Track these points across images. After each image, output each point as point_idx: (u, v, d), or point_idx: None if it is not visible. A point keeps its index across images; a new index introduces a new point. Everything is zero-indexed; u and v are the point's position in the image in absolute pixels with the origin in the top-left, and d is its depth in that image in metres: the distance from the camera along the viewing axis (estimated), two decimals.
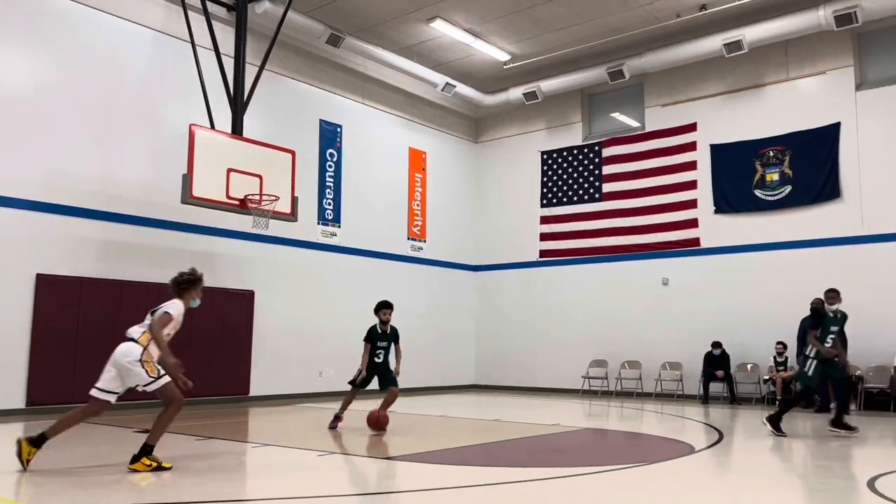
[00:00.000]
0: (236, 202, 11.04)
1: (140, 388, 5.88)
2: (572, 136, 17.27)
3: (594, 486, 5.63)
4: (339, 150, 15.32)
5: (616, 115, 16.93)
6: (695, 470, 6.68)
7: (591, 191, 16.77)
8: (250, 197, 11.11)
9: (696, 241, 15.05)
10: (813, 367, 8.95)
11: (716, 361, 13.92)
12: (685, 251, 15.12)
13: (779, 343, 13.25)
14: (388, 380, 8.83)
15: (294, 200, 11.86)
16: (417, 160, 17.26)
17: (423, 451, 7.26)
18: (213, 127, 11.22)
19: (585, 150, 16.99)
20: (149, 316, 6.03)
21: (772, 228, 14.20)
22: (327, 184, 15.00)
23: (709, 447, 7.99)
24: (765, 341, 13.53)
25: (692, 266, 14.98)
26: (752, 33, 13.75)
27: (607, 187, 16.50)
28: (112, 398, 5.89)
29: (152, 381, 5.80)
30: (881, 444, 8.72)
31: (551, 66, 16.27)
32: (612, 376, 15.64)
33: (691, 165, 15.28)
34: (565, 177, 17.27)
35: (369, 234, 15.76)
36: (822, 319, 9.09)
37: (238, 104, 11.77)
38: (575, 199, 17.01)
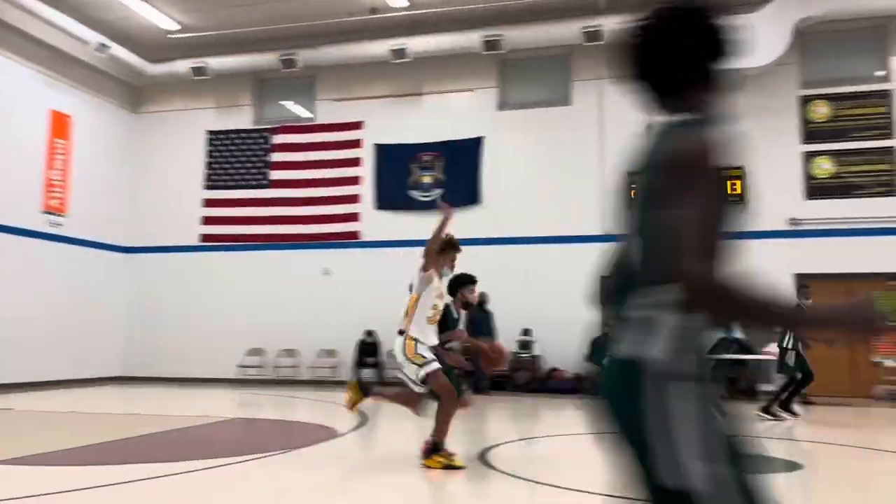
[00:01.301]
0: None
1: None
2: (242, 119, 16.84)
3: (230, 476, 5.53)
4: None
5: (288, 103, 16.92)
6: (334, 453, 6.95)
7: (259, 177, 16.52)
8: None
9: (356, 235, 15.74)
10: (794, 357, 10.15)
11: (368, 349, 14.72)
12: (346, 243, 15.71)
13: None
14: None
15: None
16: (61, 124, 15.28)
17: (34, 454, 6.42)
18: None
19: (255, 135, 16.68)
20: None
21: (425, 226, 15.38)
22: None
23: (351, 430, 8.40)
24: None
25: (352, 258, 15.61)
26: (415, 44, 14.80)
27: (275, 175, 16.40)
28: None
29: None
30: (494, 419, 10.03)
31: (223, 43, 15.65)
32: (269, 364, 15.61)
33: (356, 162, 15.94)
34: (233, 160, 16.76)
35: None
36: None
37: None
38: (242, 183, 16.60)
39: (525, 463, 6.82)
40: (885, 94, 13.45)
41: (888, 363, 12.57)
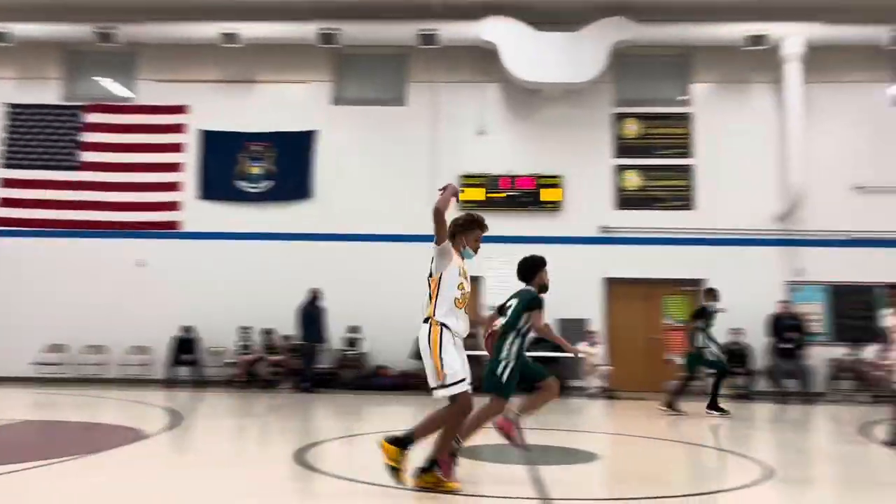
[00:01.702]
0: None
1: None
2: (48, 93, 15.35)
3: (19, 484, 5.03)
4: None
5: (104, 79, 15.65)
6: (142, 455, 6.54)
7: (68, 158, 15.14)
8: None
9: (175, 225, 14.90)
10: (708, 354, 10.45)
11: (185, 346, 14.00)
12: (165, 233, 14.82)
13: (243, 328, 14.01)
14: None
15: None
16: None
17: None
18: None
19: (64, 112, 15.27)
20: None
21: (252, 219, 14.92)
22: None
23: (163, 431, 7.94)
24: (233, 326, 14.13)
25: (171, 249, 14.75)
26: (249, 30, 14.27)
27: (87, 156, 15.11)
28: None
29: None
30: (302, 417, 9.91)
31: (28, 8, 14.19)
32: (72, 362, 14.36)
33: (178, 147, 15.07)
34: (38, 138, 15.23)
35: None
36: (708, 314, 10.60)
37: None
38: (48, 164, 15.13)
39: (346, 461, 6.81)
40: (685, 117, 14.86)
41: (678, 360, 13.89)
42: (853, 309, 14.11)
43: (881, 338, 13.33)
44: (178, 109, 15.17)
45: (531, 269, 6.24)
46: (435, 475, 4.82)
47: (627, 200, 14.76)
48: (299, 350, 13.54)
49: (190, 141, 15.12)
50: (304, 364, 13.39)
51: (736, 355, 13.39)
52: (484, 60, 14.75)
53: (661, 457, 7.11)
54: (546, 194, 14.63)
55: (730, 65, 14.76)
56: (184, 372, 14.03)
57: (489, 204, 14.61)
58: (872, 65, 14.53)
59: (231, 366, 14.03)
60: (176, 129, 15.12)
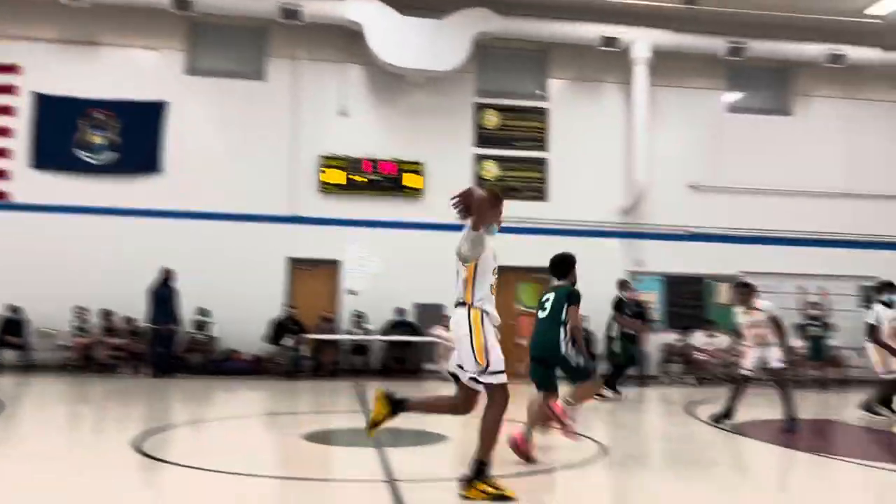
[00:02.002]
0: None
1: None
2: None
3: None
4: None
5: None
6: None
7: None
8: None
9: (4, 195, 13.58)
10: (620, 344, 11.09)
11: (11, 327, 12.83)
12: None
13: (79, 309, 13.02)
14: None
15: None
16: None
17: None
18: None
19: None
20: None
21: (93, 192, 13.84)
22: None
23: None
24: (69, 307, 13.11)
25: None
26: None
27: None
28: None
29: None
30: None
31: None
32: None
33: (9, 111, 13.71)
34: None
35: None
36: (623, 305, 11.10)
37: None
38: None
39: (191, 449, 6.52)
40: (542, 112, 15.41)
41: (526, 344, 14.47)
42: (685, 298, 15.29)
43: (709, 326, 14.58)
44: (8, 69, 13.78)
45: (567, 266, 6.34)
46: (491, 481, 4.46)
47: None
48: (149, 333, 12.80)
49: (22, 105, 13.80)
50: (157, 348, 12.68)
51: (585, 338, 14.10)
52: (348, 41, 14.53)
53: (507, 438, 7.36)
54: (408, 179, 14.68)
55: (585, 63, 15.45)
56: (9, 355, 12.86)
57: (350, 187, 14.48)
58: (711, 73, 15.72)
59: (65, 349, 13.03)
60: (5, 90, 13.74)
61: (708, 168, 15.51)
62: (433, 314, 14.12)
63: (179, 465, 5.35)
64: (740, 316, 8.09)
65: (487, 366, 4.35)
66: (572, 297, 6.03)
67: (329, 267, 14.50)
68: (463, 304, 4.53)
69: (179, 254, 13.34)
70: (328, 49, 14.79)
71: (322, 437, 6.66)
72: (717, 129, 15.70)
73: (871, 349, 8.98)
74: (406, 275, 14.29)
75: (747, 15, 14.42)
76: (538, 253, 14.77)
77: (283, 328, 13.41)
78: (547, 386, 6.00)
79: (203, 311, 13.53)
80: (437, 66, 14.23)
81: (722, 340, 14.41)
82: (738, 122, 15.78)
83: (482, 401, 4.63)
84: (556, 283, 6.33)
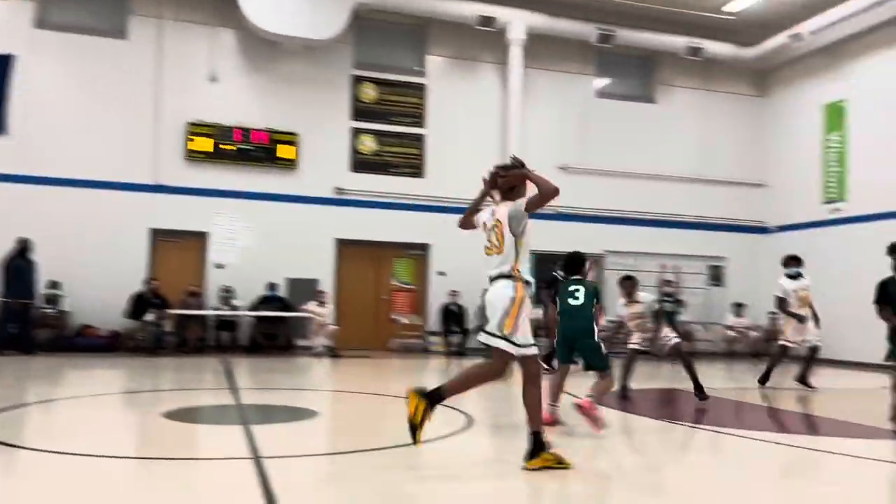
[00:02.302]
0: None
1: None
2: None
3: None
4: None
5: None
6: None
7: None
8: None
9: None
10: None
11: None
12: None
13: None
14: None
15: None
16: None
17: None
18: None
19: None
20: None
21: None
22: None
23: None
24: None
25: None
26: None
27: None
28: None
29: None
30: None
31: None
32: None
33: None
34: None
35: None
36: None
37: None
38: None
39: (40, 431, 6.08)
40: (420, 87, 15.40)
41: (403, 320, 14.58)
42: (552, 275, 15.85)
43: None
44: None
45: (580, 263, 6.88)
46: (551, 452, 4.55)
47: (362, 164, 14.97)
48: (4, 308, 11.79)
49: None
50: (12, 324, 11.70)
51: (454, 315, 14.37)
52: (220, 3, 13.88)
53: (378, 412, 7.39)
54: (281, 151, 14.28)
55: (463, 42, 15.56)
56: None
57: (218, 156, 13.92)
58: (583, 58, 16.28)
59: None
60: None
61: (577, 150, 16.11)
62: (306, 289, 13.91)
63: (29, 448, 4.97)
64: (622, 307, 8.63)
65: (512, 333, 4.52)
66: (599, 296, 6.70)
67: (195, 239, 13.90)
68: (509, 276, 4.63)
69: (29, 223, 12.35)
70: (197, 10, 14.07)
71: (184, 415, 6.40)
72: (587, 113, 16.31)
73: (784, 320, 9.82)
74: (278, 249, 13.97)
75: (617, 4, 15.02)
76: (414, 229, 14.95)
77: (144, 303, 12.75)
78: (601, 367, 6.36)
79: (54, 284, 12.61)
80: (314, 34, 13.86)
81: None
82: (606, 107, 16.46)
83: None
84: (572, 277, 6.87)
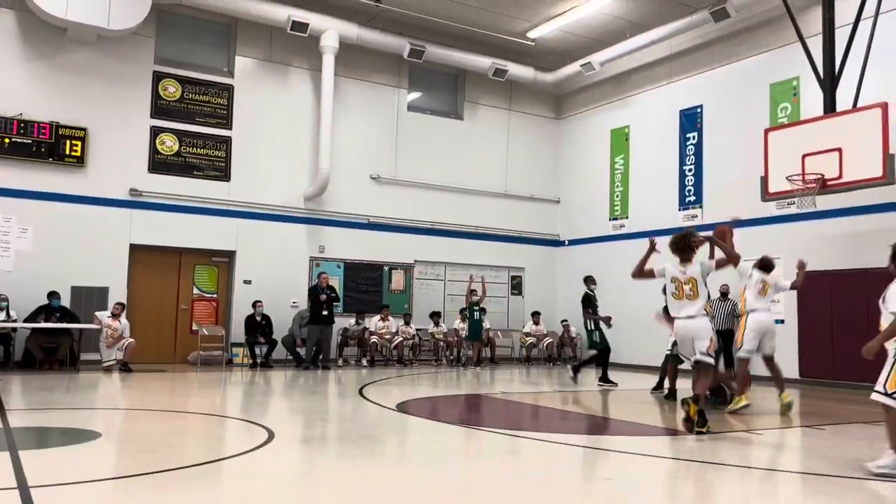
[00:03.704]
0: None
1: None
2: None
3: None
4: None
5: None
6: None
7: None
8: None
9: None
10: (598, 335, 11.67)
11: None
12: None
13: None
14: None
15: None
16: None
17: None
18: None
19: None
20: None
21: None
22: None
23: None
24: None
25: None
26: None
27: None
28: None
29: None
30: None
31: None
32: None
33: None
34: None
35: None
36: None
37: None
38: None
39: None
40: (227, 88, 14.80)
41: (204, 331, 13.88)
42: (363, 284, 15.94)
43: (385, 310, 15.37)
44: None
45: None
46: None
47: (162, 165, 14.10)
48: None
49: None
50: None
51: (259, 325, 13.94)
52: None
53: (171, 430, 6.96)
54: (69, 147, 13.05)
55: (275, 45, 15.21)
56: None
57: None
58: (395, 71, 16.55)
59: None
60: None
61: (389, 161, 16.35)
62: (99, 298, 12.87)
63: None
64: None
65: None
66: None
67: None
68: (703, 314, 6.88)
69: None
70: None
71: None
72: (399, 126, 16.60)
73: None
74: (62, 254, 12.78)
75: (429, 21, 15.45)
76: (219, 235, 14.32)
77: None
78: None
79: None
80: (109, 24, 12.82)
81: (393, 324, 15.34)
82: (417, 121, 16.86)
83: None
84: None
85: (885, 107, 9.86)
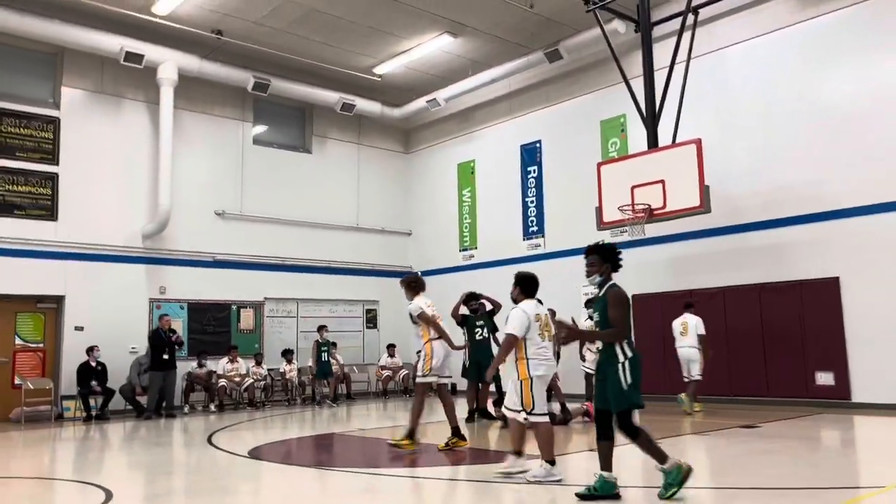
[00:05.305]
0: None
1: None
2: None
3: None
4: None
5: None
6: None
7: None
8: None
9: None
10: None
11: None
12: None
13: None
14: None
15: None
16: None
17: None
18: None
19: None
20: None
21: None
22: None
23: None
24: None
25: None
26: None
27: None
28: None
29: None
30: None
31: None
32: None
33: None
34: None
35: None
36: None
37: None
38: None
39: None
40: (53, 121, 13.76)
41: (29, 385, 12.66)
42: (209, 324, 15.23)
43: (234, 352, 14.74)
44: None
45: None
46: None
47: None
48: None
49: None
50: None
51: (94, 373, 12.92)
52: None
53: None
54: None
55: (106, 76, 14.37)
56: None
57: None
58: (239, 104, 16.13)
59: None
60: None
61: (234, 196, 15.84)
62: None
63: None
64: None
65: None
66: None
67: None
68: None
69: None
70: None
71: None
72: (244, 159, 16.15)
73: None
74: None
75: (273, 55, 15.26)
76: (45, 279, 13.17)
77: None
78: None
79: None
80: None
81: (243, 365, 14.75)
82: (262, 155, 16.49)
83: None
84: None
85: (698, 143, 10.85)
